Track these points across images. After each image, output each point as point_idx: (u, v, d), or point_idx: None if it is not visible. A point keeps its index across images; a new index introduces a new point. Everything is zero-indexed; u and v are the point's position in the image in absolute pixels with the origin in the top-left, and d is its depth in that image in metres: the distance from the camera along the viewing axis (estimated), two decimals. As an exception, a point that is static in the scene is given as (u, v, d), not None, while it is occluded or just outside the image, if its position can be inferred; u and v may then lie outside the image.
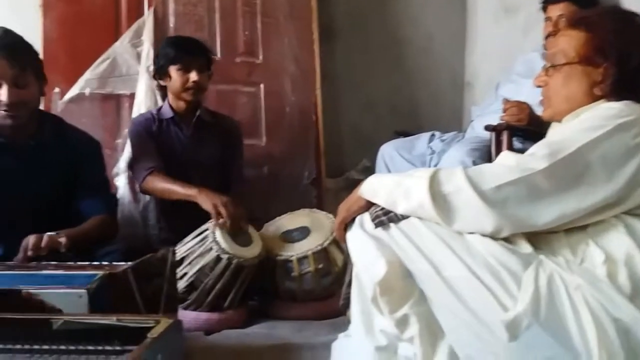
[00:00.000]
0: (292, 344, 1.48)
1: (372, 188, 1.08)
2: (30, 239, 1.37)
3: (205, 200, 1.75)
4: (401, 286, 1.02)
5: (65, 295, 1.00)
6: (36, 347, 0.86)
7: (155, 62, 2.07)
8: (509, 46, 2.71)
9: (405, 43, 2.96)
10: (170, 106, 2.05)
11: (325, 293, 1.78)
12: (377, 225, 1.04)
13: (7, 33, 1.55)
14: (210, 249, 1.64)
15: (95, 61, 2.20)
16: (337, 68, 2.80)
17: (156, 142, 2.00)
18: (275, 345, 1.48)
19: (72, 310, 0.98)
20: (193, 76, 1.96)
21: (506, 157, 1.06)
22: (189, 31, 2.32)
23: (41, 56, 1.72)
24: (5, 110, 1.50)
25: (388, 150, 2.20)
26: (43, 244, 1.36)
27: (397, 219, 1.03)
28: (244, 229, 1.77)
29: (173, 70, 1.98)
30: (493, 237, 0.98)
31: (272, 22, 2.48)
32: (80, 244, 1.48)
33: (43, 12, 2.18)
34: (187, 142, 2.05)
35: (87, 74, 2.19)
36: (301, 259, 1.75)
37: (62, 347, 0.86)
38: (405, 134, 2.37)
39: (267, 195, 2.36)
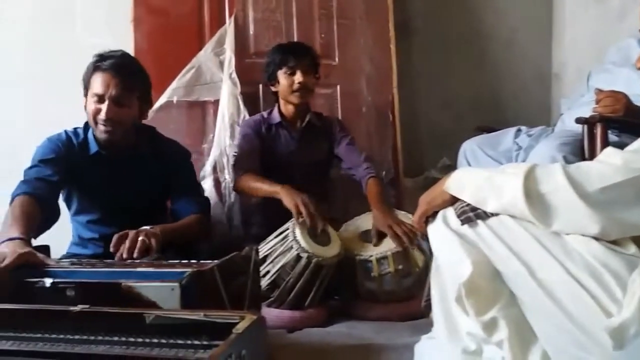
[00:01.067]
0: (374, 344, 1.47)
1: (459, 183, 1.03)
2: (127, 244, 1.42)
3: (288, 198, 1.79)
4: (489, 287, 0.97)
5: (160, 288, 1.05)
6: (131, 339, 0.91)
7: (265, 70, 2.14)
8: (600, 34, 2.53)
9: (487, 36, 2.85)
10: (280, 111, 2.14)
11: (407, 294, 1.75)
12: (463, 222, 0.99)
13: (124, 56, 1.69)
14: (291, 247, 1.67)
15: (182, 71, 2.32)
16: (414, 65, 2.76)
17: (263, 145, 2.10)
18: (357, 345, 1.47)
19: (165, 302, 1.03)
20: (298, 77, 2.03)
21: (611, 155, 0.96)
22: (267, 37, 2.39)
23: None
24: (102, 124, 1.63)
25: (470, 147, 2.12)
26: (136, 253, 1.41)
27: (485, 215, 0.97)
28: (322, 228, 1.78)
29: (281, 74, 2.07)
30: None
31: (348, 24, 2.49)
32: (174, 239, 1.57)
33: (134, 26, 2.33)
34: (294, 146, 2.13)
35: (174, 83, 2.31)
36: (380, 260, 1.73)
37: (155, 340, 0.91)
38: (489, 130, 2.27)
39: (345, 195, 2.37)
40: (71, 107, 1.83)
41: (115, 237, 1.43)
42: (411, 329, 1.57)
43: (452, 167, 2.32)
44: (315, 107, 2.40)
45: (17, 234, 1.31)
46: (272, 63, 2.09)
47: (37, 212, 1.46)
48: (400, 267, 1.72)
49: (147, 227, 1.50)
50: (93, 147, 1.69)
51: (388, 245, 1.76)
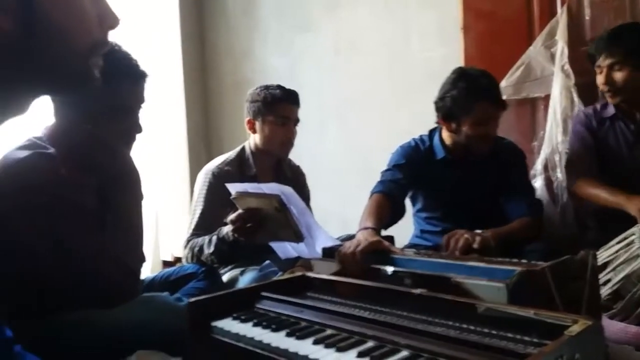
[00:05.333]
0: None
1: None
2: (460, 241, 1.53)
3: (633, 207, 1.59)
4: None
5: (486, 287, 1.10)
6: (464, 325, 0.99)
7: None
8: None
9: None
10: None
11: None
12: None
13: (491, 81, 1.84)
14: (637, 255, 1.48)
15: (510, 69, 2.31)
16: None
17: (595, 141, 1.93)
18: None
19: (492, 299, 1.07)
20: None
21: None
22: (607, 20, 2.15)
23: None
24: (486, 144, 1.82)
25: None
26: (457, 252, 1.51)
27: None
28: None
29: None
30: None
31: None
32: (505, 243, 1.60)
33: (464, 33, 2.45)
34: (633, 142, 1.89)
35: (503, 83, 2.32)
36: None
37: (485, 330, 0.96)
38: None
39: None
40: (412, 115, 2.07)
41: (445, 237, 1.55)
42: None
43: None
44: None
45: (370, 225, 1.58)
46: None
47: (387, 209, 1.73)
48: None
49: (479, 231, 1.56)
50: (439, 153, 1.88)
51: None
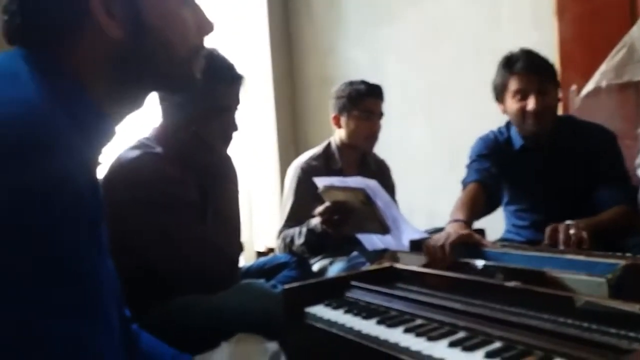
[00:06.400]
0: None
1: None
2: (561, 233, 1.43)
3: None
4: None
5: (585, 282, 1.05)
6: (561, 319, 0.96)
7: None
8: None
9: None
10: None
11: None
12: None
13: (529, 53, 1.77)
14: None
15: (610, 52, 2.17)
16: None
17: None
18: None
19: (591, 294, 1.03)
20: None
21: None
22: None
23: (557, 58, 1.88)
24: (532, 118, 1.72)
25: None
26: (571, 246, 1.40)
27: None
28: None
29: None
30: None
31: None
32: (598, 233, 1.50)
33: (558, 17, 2.33)
34: None
35: (603, 67, 2.18)
36: None
37: (584, 324, 0.93)
38: None
39: None
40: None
41: (548, 230, 1.47)
42: None
43: None
44: None
45: (461, 217, 1.56)
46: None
47: (482, 199, 1.70)
48: None
49: (571, 222, 1.48)
50: (517, 143, 1.83)
51: None
